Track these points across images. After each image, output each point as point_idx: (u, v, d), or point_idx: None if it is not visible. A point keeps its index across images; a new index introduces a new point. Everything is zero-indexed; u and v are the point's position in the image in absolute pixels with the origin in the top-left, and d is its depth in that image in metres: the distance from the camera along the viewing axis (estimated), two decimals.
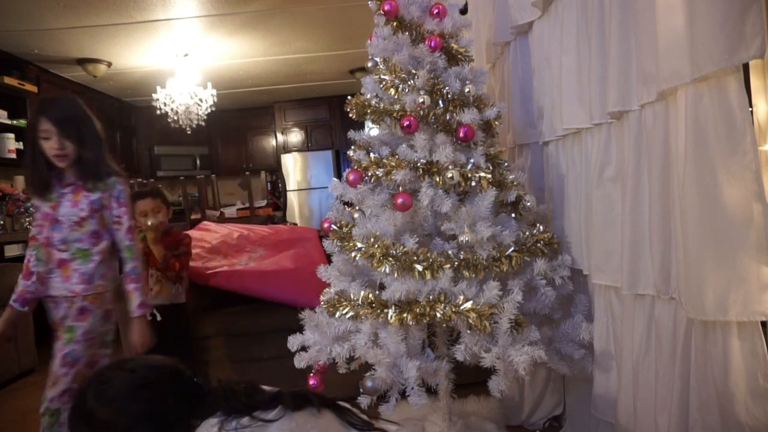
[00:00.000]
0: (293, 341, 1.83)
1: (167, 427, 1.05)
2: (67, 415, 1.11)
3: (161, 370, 1.11)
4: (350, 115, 1.90)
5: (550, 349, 1.71)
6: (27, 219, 4.57)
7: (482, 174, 1.68)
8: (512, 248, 1.67)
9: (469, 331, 1.57)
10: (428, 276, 1.60)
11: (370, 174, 1.74)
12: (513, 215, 1.83)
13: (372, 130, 1.93)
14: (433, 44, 1.79)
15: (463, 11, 2.01)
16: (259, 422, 1.00)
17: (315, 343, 1.77)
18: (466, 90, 1.80)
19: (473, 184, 1.69)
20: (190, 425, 1.05)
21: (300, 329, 1.85)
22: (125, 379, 1.07)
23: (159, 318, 2.39)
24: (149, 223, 2.32)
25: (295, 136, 7.63)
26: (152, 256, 2.38)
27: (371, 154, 1.79)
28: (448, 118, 1.75)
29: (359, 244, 1.69)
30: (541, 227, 1.79)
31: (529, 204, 1.84)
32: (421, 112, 1.73)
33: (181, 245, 2.46)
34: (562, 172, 1.96)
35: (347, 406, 1.13)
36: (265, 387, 1.14)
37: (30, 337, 3.57)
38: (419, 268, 1.61)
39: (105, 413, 1.04)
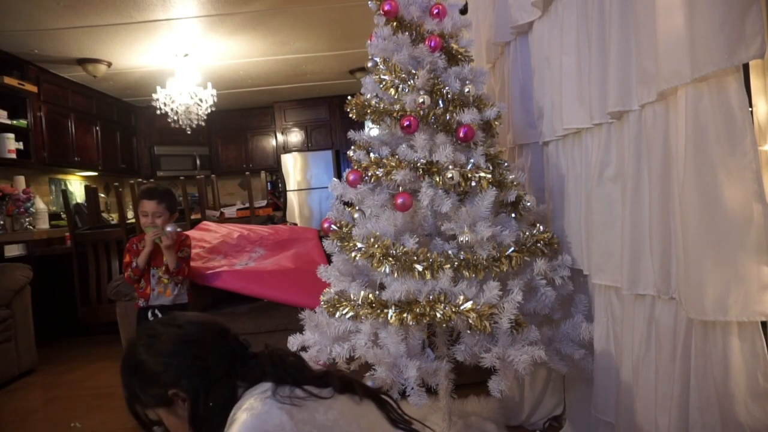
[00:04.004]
0: (293, 341, 1.83)
1: (210, 382, 1.07)
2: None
3: (207, 327, 1.15)
4: (350, 115, 1.90)
5: (550, 349, 1.71)
6: (27, 219, 4.57)
7: (482, 174, 1.68)
8: (512, 248, 1.67)
9: (469, 331, 1.58)
10: (428, 276, 1.60)
11: (370, 174, 1.74)
12: (513, 215, 1.83)
13: (372, 130, 1.93)
14: (433, 44, 1.79)
15: (463, 11, 2.01)
16: (313, 397, 1.01)
17: (315, 343, 1.77)
18: (466, 90, 1.80)
19: (473, 184, 1.69)
20: (234, 384, 1.07)
21: (300, 329, 1.85)
22: (172, 334, 1.11)
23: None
24: (168, 229, 2.35)
25: (295, 136, 7.63)
26: (157, 257, 2.39)
27: (371, 154, 1.79)
28: (448, 118, 1.75)
29: (359, 244, 1.69)
30: (541, 227, 1.79)
31: (529, 204, 1.84)
32: (421, 112, 1.73)
33: (184, 247, 2.47)
34: (562, 172, 1.96)
35: (389, 400, 1.13)
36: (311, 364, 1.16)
37: (30, 337, 3.57)
38: (419, 268, 1.61)
39: (151, 365, 1.09)
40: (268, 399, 0.99)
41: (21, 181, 4.82)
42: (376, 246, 1.64)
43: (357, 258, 1.70)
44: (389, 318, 1.58)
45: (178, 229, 2.39)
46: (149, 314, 2.40)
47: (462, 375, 1.89)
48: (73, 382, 3.33)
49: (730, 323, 1.19)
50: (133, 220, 4.47)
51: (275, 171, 7.65)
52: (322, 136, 7.62)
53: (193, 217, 4.43)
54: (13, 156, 4.59)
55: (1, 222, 4.38)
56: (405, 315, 1.57)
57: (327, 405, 1.01)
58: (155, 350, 1.09)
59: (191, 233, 2.85)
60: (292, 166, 7.33)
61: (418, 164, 1.69)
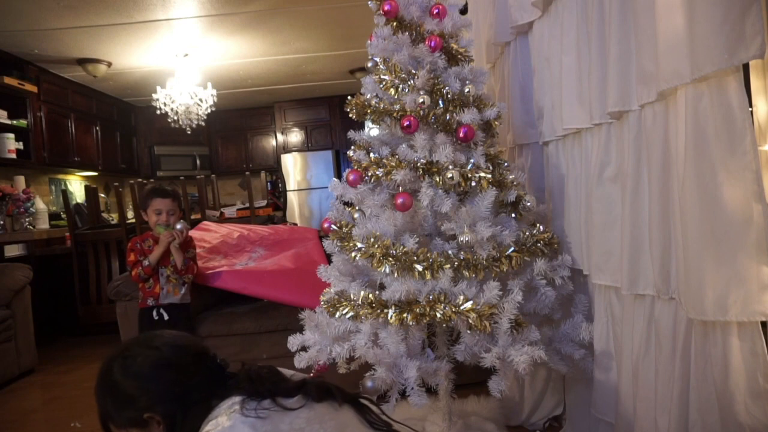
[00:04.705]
0: (293, 341, 1.83)
1: (187, 407, 1.06)
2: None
3: (185, 351, 1.12)
4: (350, 115, 1.90)
5: (550, 349, 1.71)
6: (27, 219, 4.57)
7: (482, 174, 1.68)
8: (512, 248, 1.67)
9: (469, 331, 1.57)
10: (428, 276, 1.60)
11: (370, 174, 1.74)
12: (513, 215, 1.82)
13: (372, 130, 1.93)
14: (433, 44, 1.79)
15: (463, 11, 2.00)
16: (279, 408, 1.00)
17: (315, 343, 1.77)
18: (466, 90, 1.80)
19: (473, 184, 1.69)
20: (210, 406, 1.05)
21: (300, 329, 1.85)
22: (150, 356, 1.09)
23: (166, 317, 2.40)
24: (178, 226, 2.39)
25: (295, 136, 7.63)
26: (165, 256, 2.40)
27: (371, 154, 1.79)
28: (448, 118, 1.75)
29: (359, 244, 1.69)
30: (541, 227, 1.79)
31: (529, 204, 1.84)
32: (421, 112, 1.73)
33: (189, 248, 2.50)
34: (562, 172, 1.96)
35: (368, 404, 1.13)
36: (288, 372, 1.15)
37: (30, 337, 3.57)
38: (419, 268, 1.61)
39: (127, 387, 1.07)
40: (234, 413, 0.99)
41: (21, 181, 4.82)
42: (376, 246, 1.64)
43: (357, 258, 1.70)
44: (389, 318, 1.58)
45: (188, 225, 2.44)
46: (154, 313, 2.40)
47: (462, 375, 1.89)
48: (73, 382, 3.33)
49: (730, 323, 1.19)
50: (133, 220, 4.47)
51: (275, 171, 7.65)
52: (322, 136, 7.62)
53: (193, 217, 4.43)
54: (13, 156, 4.59)
55: (1, 222, 4.38)
56: (405, 315, 1.57)
57: (294, 414, 1.01)
58: (131, 372, 1.07)
59: (191, 233, 2.85)
60: (292, 166, 7.33)
61: (418, 164, 1.69)
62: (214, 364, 1.13)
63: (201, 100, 5.33)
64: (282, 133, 7.63)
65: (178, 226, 2.39)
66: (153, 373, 1.07)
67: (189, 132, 5.65)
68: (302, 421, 1.00)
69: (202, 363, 1.11)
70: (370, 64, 1.89)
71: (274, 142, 7.73)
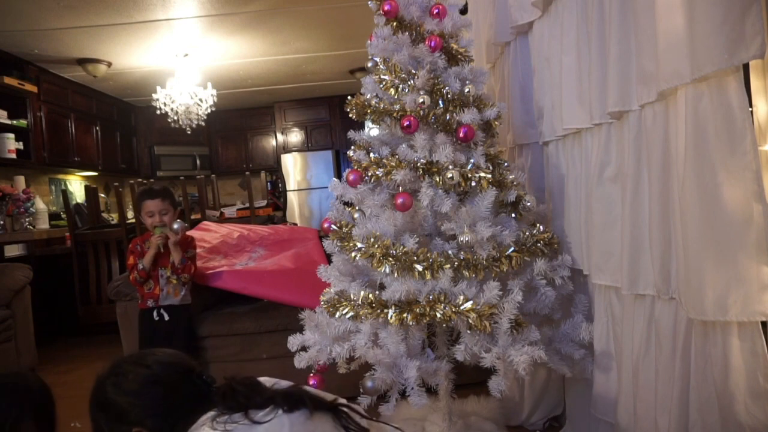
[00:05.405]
0: (293, 341, 1.83)
1: (174, 421, 1.11)
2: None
3: (174, 368, 1.19)
4: (350, 115, 1.90)
5: (550, 349, 1.71)
6: (27, 219, 4.57)
7: (482, 174, 1.68)
8: (512, 248, 1.67)
9: (469, 331, 1.58)
10: (428, 276, 1.60)
11: (370, 174, 1.74)
12: (513, 215, 1.83)
13: (372, 130, 1.93)
14: (433, 44, 1.79)
15: (463, 11, 2.00)
16: (248, 421, 1.03)
17: (315, 343, 1.77)
18: (466, 90, 1.80)
19: (473, 184, 1.69)
20: (193, 420, 1.09)
21: (300, 329, 1.85)
22: (141, 374, 1.15)
23: (167, 318, 2.40)
24: (175, 226, 2.38)
25: (295, 136, 7.63)
26: (164, 256, 2.39)
27: (371, 154, 1.79)
28: (448, 118, 1.75)
29: (359, 244, 1.69)
30: (541, 227, 1.79)
31: (529, 204, 1.84)
32: (421, 112, 1.73)
33: (189, 248, 2.49)
34: (562, 172, 1.96)
35: (345, 409, 1.12)
36: (268, 380, 1.17)
37: (30, 337, 3.57)
38: (419, 268, 1.61)
39: (120, 403, 1.13)
40: (204, 428, 1.03)
41: (21, 181, 4.82)
42: (376, 246, 1.64)
43: (357, 258, 1.70)
44: (389, 318, 1.58)
45: (185, 224, 2.44)
46: (154, 314, 2.40)
47: (462, 375, 1.89)
48: (73, 382, 3.33)
49: (730, 323, 1.19)
50: (133, 220, 4.47)
51: (275, 171, 7.65)
52: (322, 136, 7.62)
53: (193, 217, 4.43)
54: (13, 156, 4.59)
55: (1, 222, 4.38)
56: (405, 315, 1.57)
57: (264, 428, 1.02)
58: (123, 389, 1.14)
59: (192, 233, 2.86)
60: (292, 166, 7.33)
61: (418, 164, 1.69)
62: (200, 381, 1.18)
63: (201, 100, 5.33)
64: (282, 133, 7.63)
65: (175, 226, 2.38)
66: (143, 389, 1.14)
67: (189, 132, 5.65)
68: None
69: (188, 380, 1.17)
70: (370, 64, 1.89)
71: (274, 142, 7.74)
